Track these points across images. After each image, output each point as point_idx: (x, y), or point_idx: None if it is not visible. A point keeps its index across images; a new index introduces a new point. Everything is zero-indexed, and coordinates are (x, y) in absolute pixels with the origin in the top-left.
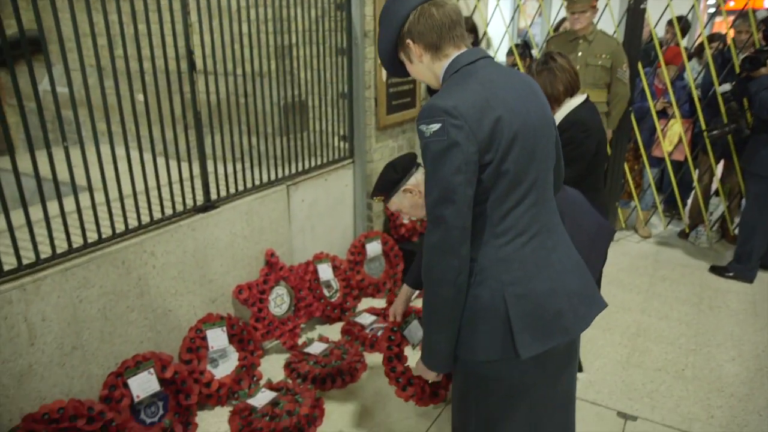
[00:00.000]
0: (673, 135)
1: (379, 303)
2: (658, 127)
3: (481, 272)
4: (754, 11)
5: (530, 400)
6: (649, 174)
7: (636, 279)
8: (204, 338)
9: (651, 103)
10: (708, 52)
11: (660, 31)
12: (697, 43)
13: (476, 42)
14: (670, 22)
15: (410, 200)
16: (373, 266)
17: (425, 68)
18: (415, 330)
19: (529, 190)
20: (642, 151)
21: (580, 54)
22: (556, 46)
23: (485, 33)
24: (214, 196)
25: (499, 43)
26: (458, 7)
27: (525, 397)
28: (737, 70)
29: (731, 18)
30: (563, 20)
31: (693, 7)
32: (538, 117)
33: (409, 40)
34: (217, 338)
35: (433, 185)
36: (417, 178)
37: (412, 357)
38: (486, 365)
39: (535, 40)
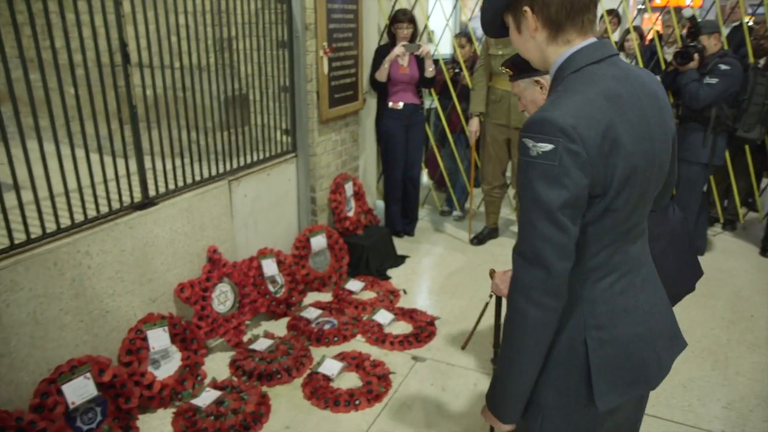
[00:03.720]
0: None
1: (325, 297)
2: None
3: (562, 312)
4: (679, 9)
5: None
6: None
7: None
8: (144, 339)
9: None
10: (635, 44)
11: None
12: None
13: (414, 36)
14: (600, 17)
15: (533, 94)
16: (318, 260)
17: (535, 47)
18: (330, 365)
19: (630, 229)
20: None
21: (510, 48)
22: (496, 41)
23: (426, 26)
24: (152, 192)
25: (440, 37)
26: None
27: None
28: (662, 65)
29: (656, 14)
30: None
31: (622, 1)
32: (661, 144)
33: (527, 7)
34: (159, 338)
35: (534, 216)
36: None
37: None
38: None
39: (476, 34)
